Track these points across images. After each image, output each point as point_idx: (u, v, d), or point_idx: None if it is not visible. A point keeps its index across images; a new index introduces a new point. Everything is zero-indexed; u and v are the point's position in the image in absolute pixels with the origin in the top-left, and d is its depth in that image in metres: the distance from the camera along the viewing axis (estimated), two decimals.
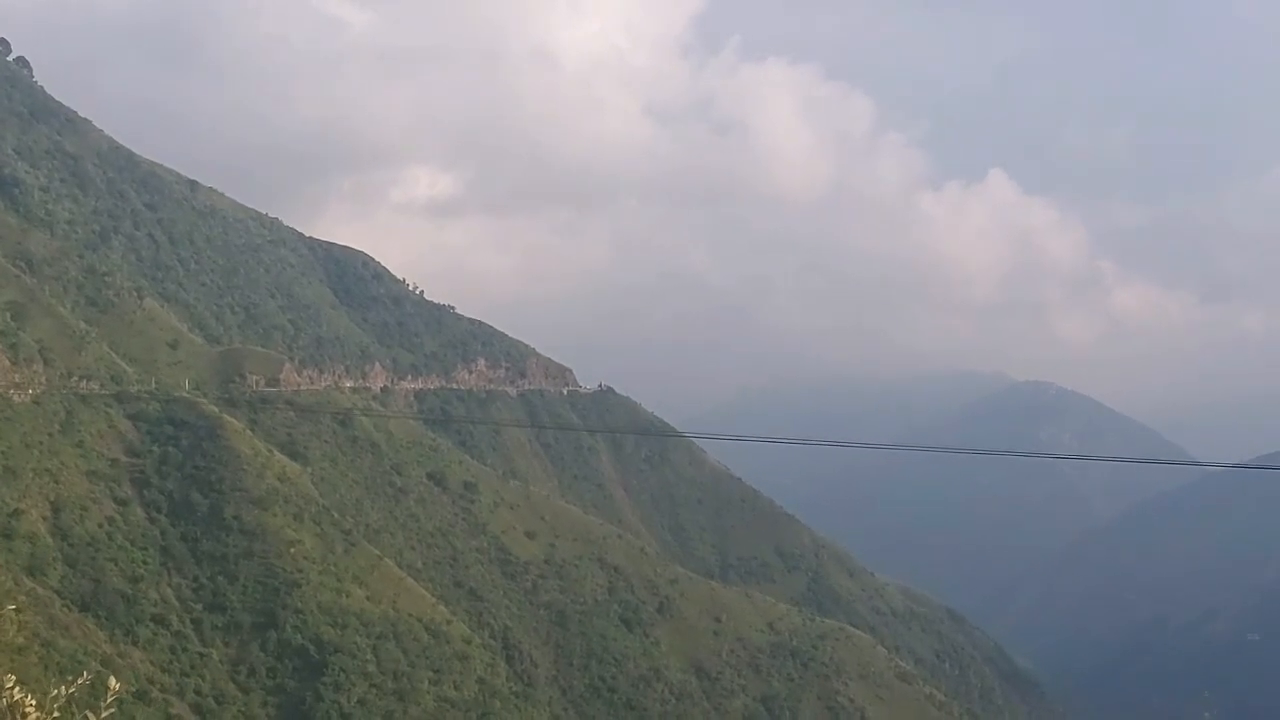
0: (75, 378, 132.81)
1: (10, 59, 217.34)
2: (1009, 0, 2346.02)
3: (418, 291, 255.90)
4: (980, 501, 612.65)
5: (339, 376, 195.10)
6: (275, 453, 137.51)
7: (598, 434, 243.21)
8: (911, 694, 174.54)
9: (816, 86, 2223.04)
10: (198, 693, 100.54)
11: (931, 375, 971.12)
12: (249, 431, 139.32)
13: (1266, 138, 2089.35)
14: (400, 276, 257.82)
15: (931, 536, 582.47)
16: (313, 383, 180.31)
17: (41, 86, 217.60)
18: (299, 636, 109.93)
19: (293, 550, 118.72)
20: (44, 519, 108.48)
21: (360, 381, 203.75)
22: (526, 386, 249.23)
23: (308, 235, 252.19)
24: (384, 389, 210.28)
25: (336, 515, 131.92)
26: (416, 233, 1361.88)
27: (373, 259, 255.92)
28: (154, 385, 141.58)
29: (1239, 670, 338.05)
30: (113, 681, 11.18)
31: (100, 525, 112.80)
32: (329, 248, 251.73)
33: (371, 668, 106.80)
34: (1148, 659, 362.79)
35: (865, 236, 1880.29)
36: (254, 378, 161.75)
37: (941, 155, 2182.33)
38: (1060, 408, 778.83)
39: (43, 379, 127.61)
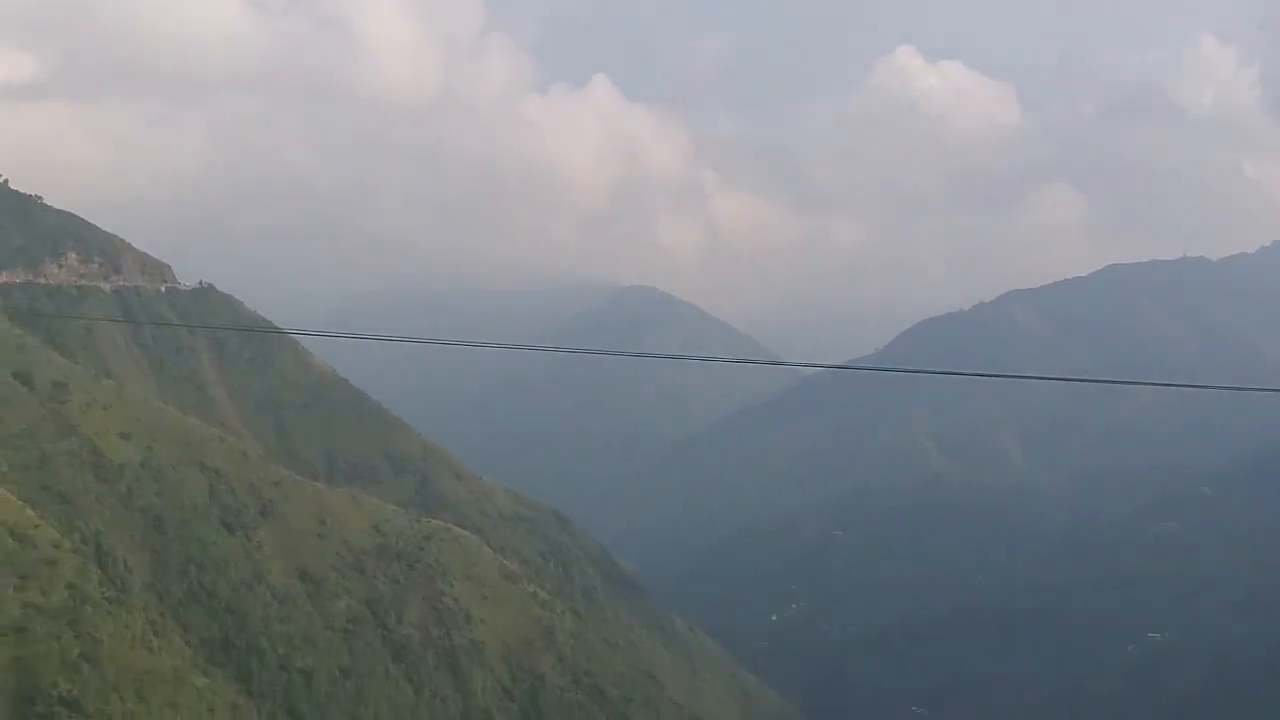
0: None
1: None
2: None
3: (1, 181, 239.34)
4: (589, 406, 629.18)
5: None
6: None
7: (199, 333, 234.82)
8: (516, 593, 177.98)
9: None
10: None
11: (541, 281, 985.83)
12: None
13: (853, 58, 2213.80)
14: None
15: (541, 441, 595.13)
16: None
17: None
18: None
19: None
20: None
21: None
22: (122, 283, 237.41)
23: None
24: None
25: None
26: None
27: None
28: None
29: (825, 565, 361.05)
30: None
31: None
32: None
33: None
34: (744, 557, 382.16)
35: (473, 140, 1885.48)
36: None
37: (547, 59, 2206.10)
38: (665, 314, 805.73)
39: None
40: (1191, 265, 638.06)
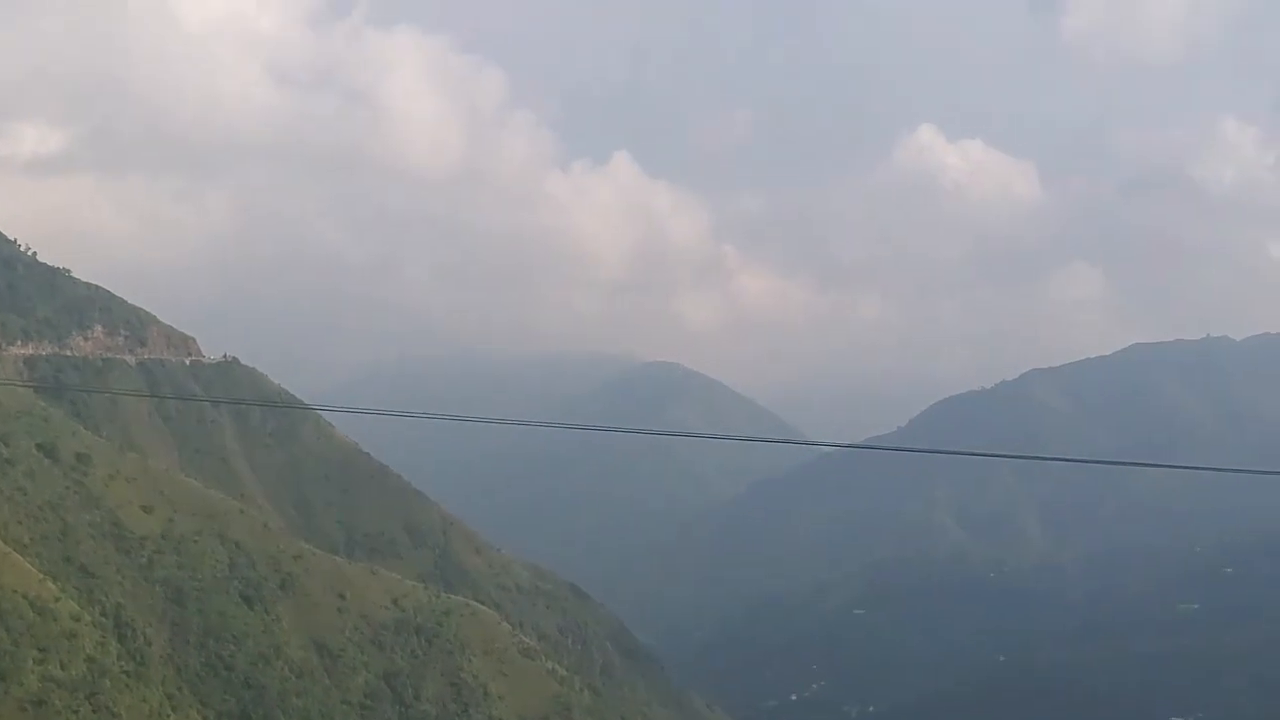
0: None
1: None
2: None
3: (29, 253, 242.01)
4: (608, 480, 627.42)
5: None
6: None
7: (222, 406, 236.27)
8: (534, 669, 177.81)
9: (448, 58, 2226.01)
10: None
11: (563, 354, 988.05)
12: None
13: (874, 137, 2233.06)
14: (10, 236, 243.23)
15: (560, 513, 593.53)
16: None
17: None
18: None
19: None
20: None
21: None
22: (146, 355, 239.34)
23: None
24: None
25: None
26: (21, 190, 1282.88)
27: None
28: None
29: (845, 642, 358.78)
30: None
31: None
32: None
33: None
34: (762, 633, 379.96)
35: (495, 213, 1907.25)
36: None
37: (570, 136, 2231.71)
38: (686, 388, 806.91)
39: None
40: (1215, 345, 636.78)
